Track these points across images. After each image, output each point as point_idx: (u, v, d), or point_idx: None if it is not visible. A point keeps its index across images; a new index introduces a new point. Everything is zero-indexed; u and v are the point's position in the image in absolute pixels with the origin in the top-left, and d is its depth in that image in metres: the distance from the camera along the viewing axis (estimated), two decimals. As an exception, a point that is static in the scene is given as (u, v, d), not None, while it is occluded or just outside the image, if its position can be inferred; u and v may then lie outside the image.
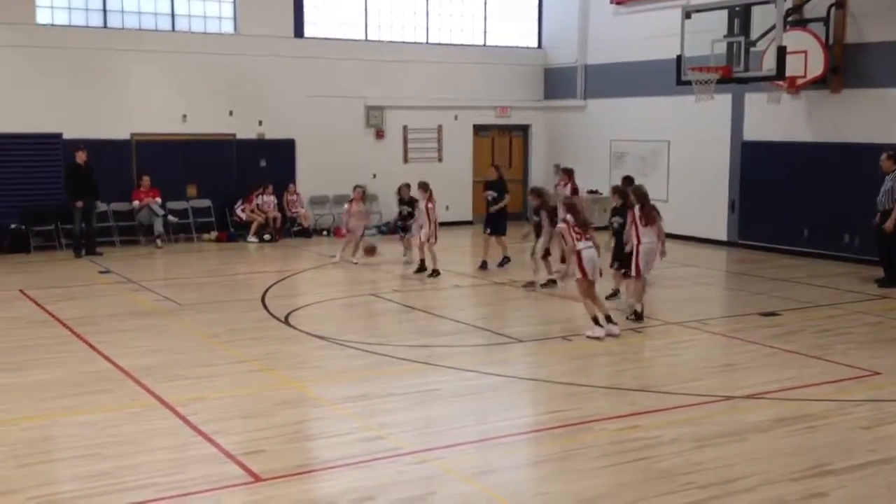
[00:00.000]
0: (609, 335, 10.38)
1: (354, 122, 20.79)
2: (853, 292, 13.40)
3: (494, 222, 15.38)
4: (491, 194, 15.60)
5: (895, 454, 6.77)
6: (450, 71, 21.57)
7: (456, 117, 21.91)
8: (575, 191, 15.21)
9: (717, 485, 6.21)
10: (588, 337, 10.37)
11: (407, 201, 15.81)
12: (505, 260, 15.33)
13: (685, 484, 6.21)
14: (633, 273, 11.34)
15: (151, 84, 18.65)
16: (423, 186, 14.81)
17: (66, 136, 17.83)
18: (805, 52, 15.91)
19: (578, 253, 10.39)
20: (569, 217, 10.57)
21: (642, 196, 11.37)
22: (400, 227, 16.09)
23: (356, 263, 15.65)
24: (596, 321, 10.41)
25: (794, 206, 16.92)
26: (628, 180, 14.22)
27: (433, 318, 11.76)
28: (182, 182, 19.14)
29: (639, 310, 11.26)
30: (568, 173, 15.72)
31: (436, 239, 14.53)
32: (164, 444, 6.96)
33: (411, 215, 15.67)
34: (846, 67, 16.04)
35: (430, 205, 14.58)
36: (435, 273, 14.38)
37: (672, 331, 10.95)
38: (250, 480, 6.27)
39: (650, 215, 11.26)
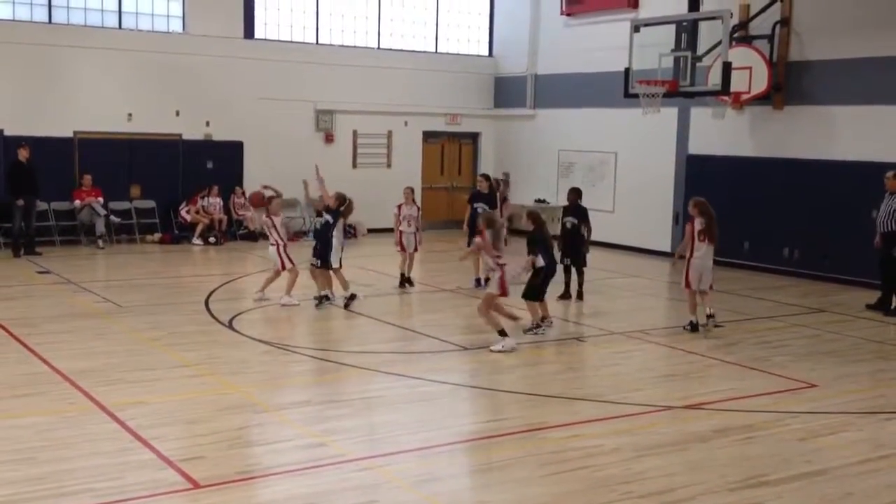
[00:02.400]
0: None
1: (304, 126, 20.67)
2: (792, 305, 13.67)
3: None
4: (482, 207, 14.12)
5: (830, 466, 6.92)
6: (400, 77, 21.55)
7: (406, 123, 21.89)
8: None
9: (657, 494, 6.28)
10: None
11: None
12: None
13: (625, 493, 6.27)
14: (684, 285, 11.40)
15: (96, 82, 18.35)
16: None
17: (7, 132, 17.48)
18: (750, 68, 16.21)
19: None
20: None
21: (709, 215, 11.25)
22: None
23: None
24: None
25: (736, 220, 17.16)
26: (576, 192, 13.93)
27: (379, 325, 11.72)
28: (125, 182, 18.84)
29: (694, 321, 11.38)
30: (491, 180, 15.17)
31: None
32: (102, 449, 6.83)
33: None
34: (789, 84, 16.38)
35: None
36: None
37: (615, 340, 11.05)
38: (189, 487, 6.18)
39: (712, 233, 11.19)
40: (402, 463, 6.81)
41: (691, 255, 11.27)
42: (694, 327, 11.35)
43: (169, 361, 9.52)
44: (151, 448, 6.86)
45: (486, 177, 15.33)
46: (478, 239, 10.58)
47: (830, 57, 15.76)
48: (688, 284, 11.33)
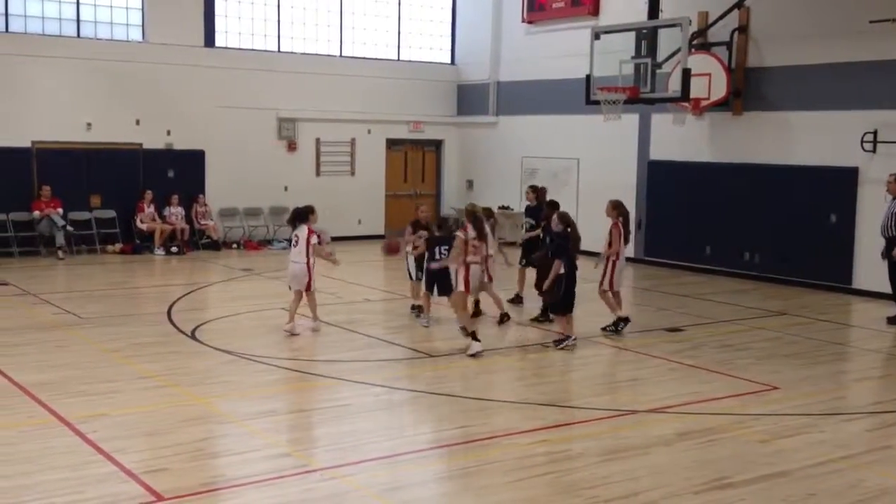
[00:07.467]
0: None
1: (266, 134, 20.56)
2: (753, 308, 13.82)
3: (529, 252, 13.22)
4: (529, 222, 13.71)
5: (792, 467, 6.99)
6: (363, 85, 21.53)
7: (369, 131, 21.86)
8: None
9: (622, 498, 6.31)
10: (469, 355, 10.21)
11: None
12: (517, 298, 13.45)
13: (590, 498, 6.30)
14: (610, 288, 11.80)
15: (55, 91, 18.11)
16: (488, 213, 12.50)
17: (-37, 143, 17.24)
18: (709, 74, 16.41)
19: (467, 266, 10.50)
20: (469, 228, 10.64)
21: (627, 215, 11.95)
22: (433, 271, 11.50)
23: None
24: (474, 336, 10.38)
25: (698, 224, 17.40)
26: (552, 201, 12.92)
27: (344, 333, 11.67)
28: (85, 192, 18.59)
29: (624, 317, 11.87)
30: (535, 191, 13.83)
31: None
32: (63, 463, 6.73)
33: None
34: (747, 90, 16.59)
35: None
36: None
37: (579, 346, 11.09)
38: (152, 500, 6.11)
39: (628, 232, 11.84)
40: (368, 472, 6.78)
41: (618, 257, 11.69)
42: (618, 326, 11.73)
43: (131, 373, 9.41)
44: (113, 461, 6.77)
45: (534, 188, 14.01)
46: (458, 233, 10.65)
47: (788, 63, 15.99)
48: (613, 286, 11.77)
